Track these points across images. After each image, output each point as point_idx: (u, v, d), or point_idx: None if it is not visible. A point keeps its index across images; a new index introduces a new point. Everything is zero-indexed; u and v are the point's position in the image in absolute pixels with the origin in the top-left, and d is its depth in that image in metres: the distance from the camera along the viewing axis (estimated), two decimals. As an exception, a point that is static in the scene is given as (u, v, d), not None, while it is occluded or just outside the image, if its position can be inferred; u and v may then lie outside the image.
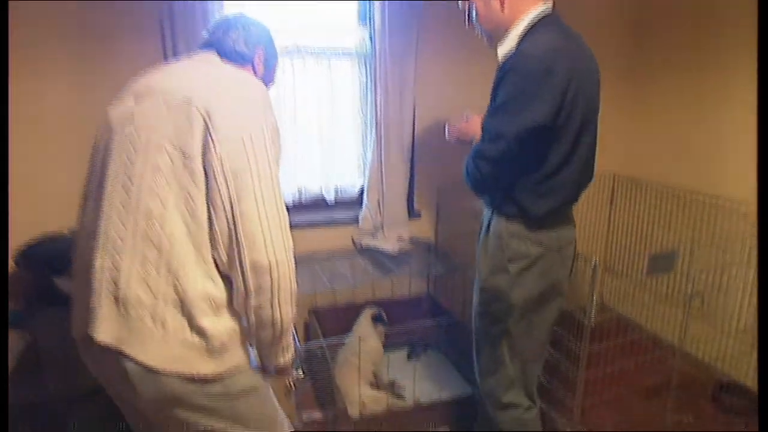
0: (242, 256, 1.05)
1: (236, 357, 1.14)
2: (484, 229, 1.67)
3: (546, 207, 1.53)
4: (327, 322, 2.70)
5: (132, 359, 1.06)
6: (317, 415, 2.32)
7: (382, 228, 2.68)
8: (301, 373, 1.62)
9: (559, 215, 1.59)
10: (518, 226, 1.58)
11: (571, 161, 1.53)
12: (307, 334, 2.81)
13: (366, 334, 2.48)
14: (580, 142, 1.53)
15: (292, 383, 1.70)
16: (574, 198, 1.61)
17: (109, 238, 1.08)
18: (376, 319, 2.55)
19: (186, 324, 1.07)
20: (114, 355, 1.08)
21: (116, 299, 1.07)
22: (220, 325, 1.10)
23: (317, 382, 2.34)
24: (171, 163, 1.05)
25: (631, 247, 2.96)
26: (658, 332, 2.81)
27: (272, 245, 1.05)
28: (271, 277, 1.06)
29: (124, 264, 1.06)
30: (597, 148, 1.63)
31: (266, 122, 1.10)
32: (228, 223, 1.04)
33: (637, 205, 2.92)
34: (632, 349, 2.35)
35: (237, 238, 1.04)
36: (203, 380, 1.10)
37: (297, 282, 1.12)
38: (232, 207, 1.02)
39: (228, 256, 1.07)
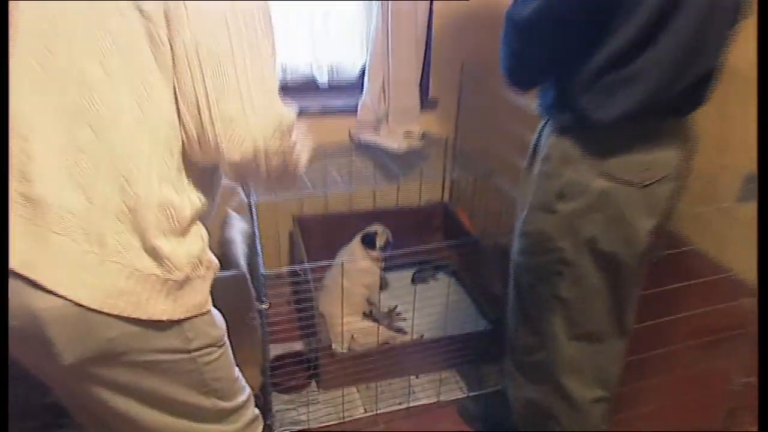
0: (223, 167, 0.95)
1: (198, 296, 1.00)
2: (531, 144, 1.39)
3: (617, 110, 1.14)
4: (314, 236, 2.49)
5: (48, 292, 0.86)
6: (298, 347, 2.19)
7: (387, 120, 2.43)
8: (266, 304, 1.52)
9: (647, 127, 1.19)
10: (573, 143, 1.24)
11: (668, 26, 1.07)
12: (291, 247, 2.62)
13: (355, 256, 2.29)
14: None
15: (253, 317, 1.57)
16: (676, 95, 1.15)
17: (17, 114, 0.88)
18: (366, 242, 2.30)
19: (136, 244, 0.90)
20: (18, 288, 0.86)
21: (26, 200, 0.86)
22: (183, 249, 0.95)
23: (301, 310, 2.19)
24: (121, 17, 0.88)
25: (715, 161, 2.48)
26: (741, 273, 2.42)
27: (267, 156, 0.94)
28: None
29: (38, 150, 0.87)
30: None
31: None
32: (205, 127, 0.91)
33: (726, 99, 2.37)
34: (704, 292, 2.03)
35: (218, 149, 0.91)
36: (154, 325, 0.95)
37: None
38: (209, 106, 0.89)
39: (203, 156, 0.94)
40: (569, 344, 1.41)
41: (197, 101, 0.90)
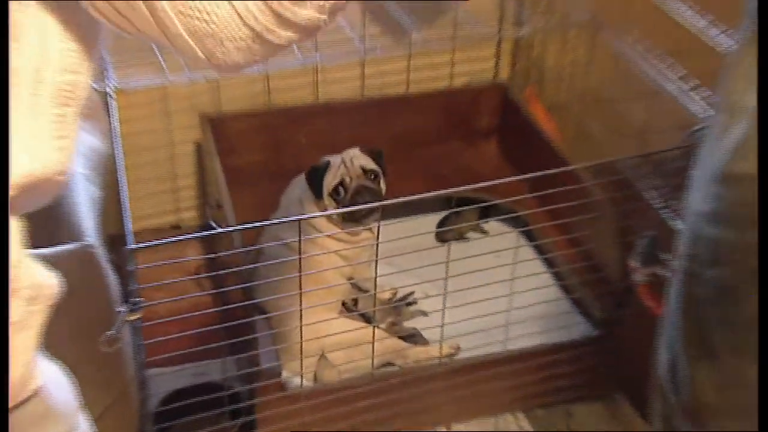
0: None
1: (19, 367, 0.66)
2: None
3: None
4: (244, 156, 1.80)
5: None
6: (212, 376, 1.57)
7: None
8: (138, 312, 1.12)
9: None
10: None
11: None
12: (199, 181, 1.89)
13: (305, 207, 1.69)
14: None
15: (113, 337, 1.12)
16: None
17: None
18: (311, 184, 1.64)
19: None
20: None
21: None
22: None
23: (218, 310, 1.48)
24: None
25: None
26: None
27: (276, 34, 0.65)
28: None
29: None
30: None
31: None
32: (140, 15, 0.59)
33: None
34: None
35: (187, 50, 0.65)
36: None
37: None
38: None
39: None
40: None
41: None
